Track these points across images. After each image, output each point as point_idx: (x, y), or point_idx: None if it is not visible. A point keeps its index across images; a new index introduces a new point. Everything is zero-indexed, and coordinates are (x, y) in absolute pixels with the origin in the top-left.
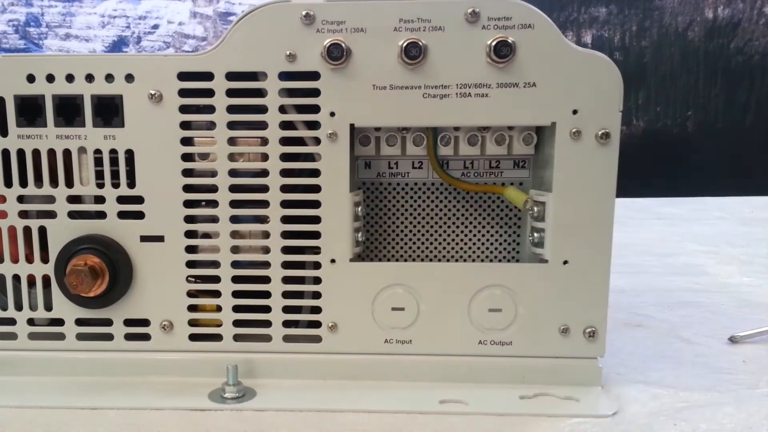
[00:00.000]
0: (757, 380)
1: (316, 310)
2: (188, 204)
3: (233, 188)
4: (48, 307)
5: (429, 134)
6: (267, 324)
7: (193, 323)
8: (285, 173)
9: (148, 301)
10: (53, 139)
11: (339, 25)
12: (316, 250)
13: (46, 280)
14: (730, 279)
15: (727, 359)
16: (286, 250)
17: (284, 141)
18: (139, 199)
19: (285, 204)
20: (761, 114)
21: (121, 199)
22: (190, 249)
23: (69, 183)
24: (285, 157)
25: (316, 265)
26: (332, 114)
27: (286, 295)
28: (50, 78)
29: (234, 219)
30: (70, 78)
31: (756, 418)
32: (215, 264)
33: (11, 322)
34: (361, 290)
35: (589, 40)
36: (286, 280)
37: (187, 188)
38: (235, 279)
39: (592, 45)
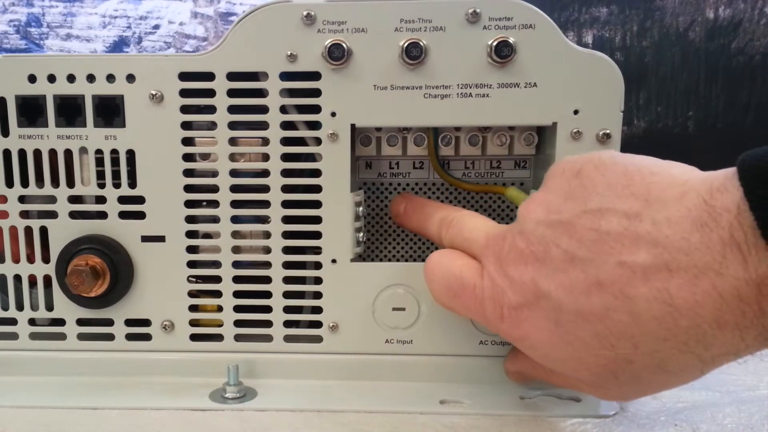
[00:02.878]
0: (757, 381)
1: (317, 310)
2: (189, 204)
3: (234, 188)
4: (49, 307)
5: (430, 134)
6: (268, 324)
7: (194, 323)
8: (286, 173)
9: (149, 301)
10: (54, 139)
11: (340, 25)
12: (317, 250)
13: (47, 280)
14: None
15: None
16: (287, 250)
17: (285, 141)
18: (140, 199)
19: (286, 204)
20: (762, 114)
21: (122, 199)
22: (191, 249)
23: (70, 183)
24: (286, 158)
25: (317, 265)
26: (333, 114)
27: (287, 295)
28: (51, 78)
29: (235, 219)
30: (71, 78)
31: (756, 418)
32: (216, 264)
33: (12, 322)
34: (362, 290)
35: (590, 40)
36: (287, 280)
37: (188, 188)
38: (236, 279)
39: (593, 45)
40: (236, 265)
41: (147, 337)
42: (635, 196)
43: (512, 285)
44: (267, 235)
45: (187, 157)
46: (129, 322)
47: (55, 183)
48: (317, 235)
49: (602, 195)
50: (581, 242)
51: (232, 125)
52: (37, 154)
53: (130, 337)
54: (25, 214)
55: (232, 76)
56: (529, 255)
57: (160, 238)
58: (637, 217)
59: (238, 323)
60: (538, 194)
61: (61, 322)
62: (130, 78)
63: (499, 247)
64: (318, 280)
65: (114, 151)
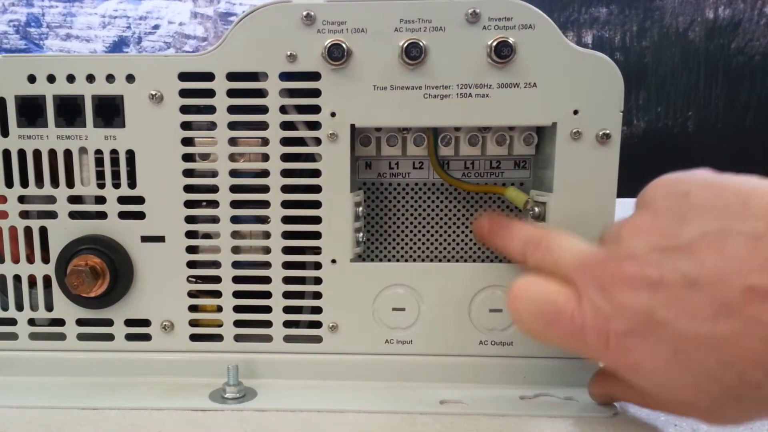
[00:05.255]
0: None
1: (317, 310)
2: (189, 204)
3: (234, 188)
4: (49, 307)
5: (429, 134)
6: (268, 324)
7: (193, 323)
8: (286, 173)
9: (149, 302)
10: (54, 139)
11: (340, 25)
12: (316, 251)
13: (46, 280)
14: None
15: None
16: (287, 250)
17: (285, 141)
18: (139, 200)
19: (286, 204)
20: (762, 114)
21: (122, 200)
22: (191, 249)
23: (70, 183)
24: (286, 158)
25: (317, 266)
26: (333, 114)
27: (287, 295)
28: (51, 78)
29: (235, 219)
30: (70, 78)
31: None
32: (216, 264)
33: (12, 322)
34: (362, 290)
35: (589, 40)
36: (287, 280)
37: (188, 188)
38: (236, 279)
39: (592, 45)
40: (236, 265)
41: (147, 337)
42: (756, 217)
43: (621, 311)
44: (267, 235)
45: (187, 157)
46: (129, 323)
47: (55, 183)
48: (317, 235)
49: (721, 216)
50: (703, 266)
51: (232, 125)
52: (37, 154)
53: (129, 337)
54: (24, 215)
55: (231, 77)
56: (641, 281)
57: (160, 239)
58: (762, 238)
59: (237, 323)
60: (644, 218)
61: (60, 322)
62: (130, 78)
63: (601, 271)
64: (318, 281)
65: (114, 152)
